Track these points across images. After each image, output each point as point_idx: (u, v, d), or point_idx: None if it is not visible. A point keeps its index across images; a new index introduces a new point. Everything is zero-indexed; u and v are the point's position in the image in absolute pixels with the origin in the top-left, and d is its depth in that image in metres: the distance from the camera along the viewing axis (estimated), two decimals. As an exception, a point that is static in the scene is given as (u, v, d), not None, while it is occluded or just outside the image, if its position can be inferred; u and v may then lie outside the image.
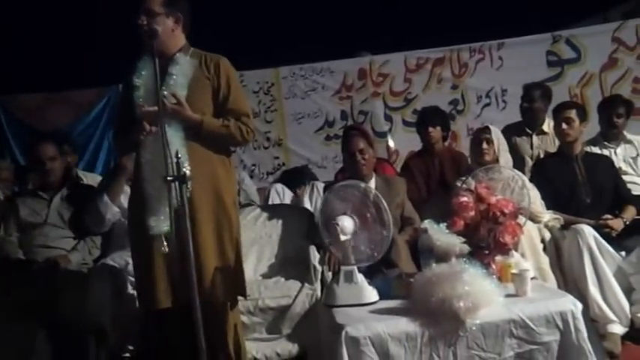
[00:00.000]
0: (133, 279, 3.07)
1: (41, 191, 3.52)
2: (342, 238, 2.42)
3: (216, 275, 2.57)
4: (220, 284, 2.59)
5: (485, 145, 3.39)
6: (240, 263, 2.75)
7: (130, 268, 3.09)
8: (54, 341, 2.94)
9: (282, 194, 4.80)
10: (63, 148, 3.66)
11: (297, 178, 5.21)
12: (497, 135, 3.49)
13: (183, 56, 2.64)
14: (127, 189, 3.44)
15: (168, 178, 2.18)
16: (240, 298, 2.78)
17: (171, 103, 2.52)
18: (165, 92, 2.51)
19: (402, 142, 5.79)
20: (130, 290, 3.11)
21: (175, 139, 2.50)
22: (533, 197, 3.28)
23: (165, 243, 2.44)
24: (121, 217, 3.47)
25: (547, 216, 3.36)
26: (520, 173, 3.32)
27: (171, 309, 2.52)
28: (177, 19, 2.65)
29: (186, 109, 2.55)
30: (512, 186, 3.16)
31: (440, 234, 2.63)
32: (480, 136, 3.47)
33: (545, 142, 4.23)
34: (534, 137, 4.23)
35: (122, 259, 3.24)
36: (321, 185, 4.48)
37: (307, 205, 4.38)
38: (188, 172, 2.25)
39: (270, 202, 4.57)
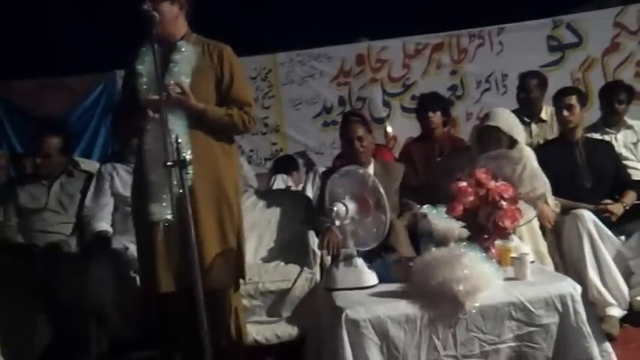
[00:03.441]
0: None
1: (40, 177, 3.53)
2: (337, 223, 2.42)
3: (217, 261, 2.58)
4: (222, 270, 2.60)
5: (493, 147, 3.16)
6: (242, 249, 2.76)
7: (130, 252, 3.13)
8: (55, 325, 2.96)
9: (286, 183, 4.85)
10: (69, 140, 3.67)
11: (288, 164, 5.25)
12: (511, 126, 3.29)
13: (186, 44, 2.63)
14: (126, 177, 3.44)
15: (168, 164, 2.18)
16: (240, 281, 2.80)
17: (175, 92, 2.51)
18: (171, 81, 2.51)
19: (400, 128, 5.78)
20: (131, 274, 3.12)
21: (178, 127, 2.49)
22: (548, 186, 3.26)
23: (162, 230, 2.45)
24: (120, 204, 3.47)
25: (551, 203, 3.35)
26: (534, 163, 3.28)
27: (173, 293, 2.53)
28: (181, 5, 2.64)
29: (190, 98, 2.54)
30: (519, 172, 3.13)
31: (439, 218, 2.63)
32: (490, 136, 3.25)
33: (543, 129, 4.23)
34: (533, 126, 4.22)
35: (120, 243, 3.25)
36: (322, 171, 4.49)
37: (309, 191, 4.39)
38: (188, 157, 2.24)
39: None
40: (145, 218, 2.52)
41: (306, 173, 5.26)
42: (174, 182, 2.24)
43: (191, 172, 2.44)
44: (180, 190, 2.22)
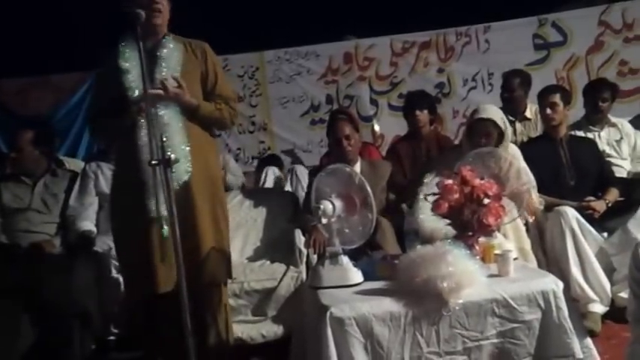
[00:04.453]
0: (117, 263, 3.07)
1: (24, 176, 3.49)
2: (323, 221, 2.43)
3: (214, 255, 2.62)
4: (218, 264, 2.64)
5: (483, 141, 3.20)
6: (229, 245, 2.80)
7: (113, 252, 3.08)
8: (39, 325, 2.94)
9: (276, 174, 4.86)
10: (46, 135, 3.63)
11: (272, 163, 5.26)
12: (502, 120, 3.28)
13: (171, 40, 2.64)
14: (111, 176, 3.42)
15: (153, 162, 2.17)
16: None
17: (172, 86, 2.52)
18: (166, 76, 2.53)
19: (387, 126, 5.80)
20: (114, 274, 3.11)
21: (175, 121, 2.52)
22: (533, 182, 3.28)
23: (165, 226, 2.43)
24: (105, 203, 3.45)
25: (535, 200, 3.37)
26: (520, 162, 3.29)
27: (166, 292, 2.51)
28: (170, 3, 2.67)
29: (186, 93, 2.57)
30: (505, 170, 3.14)
31: (427, 217, 2.65)
32: (481, 129, 3.24)
33: (528, 127, 4.25)
34: (517, 124, 4.24)
35: (105, 243, 3.23)
36: (301, 169, 4.51)
37: (287, 189, 4.40)
38: (173, 156, 2.23)
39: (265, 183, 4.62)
40: (140, 216, 2.48)
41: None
42: (176, 178, 2.32)
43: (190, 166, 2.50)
44: (166, 188, 2.22)
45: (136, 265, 2.57)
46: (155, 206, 2.47)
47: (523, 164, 3.28)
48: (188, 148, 2.51)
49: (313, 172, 3.42)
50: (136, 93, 2.49)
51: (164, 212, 2.42)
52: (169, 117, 2.49)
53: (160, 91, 2.47)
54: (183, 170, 2.49)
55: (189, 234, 2.49)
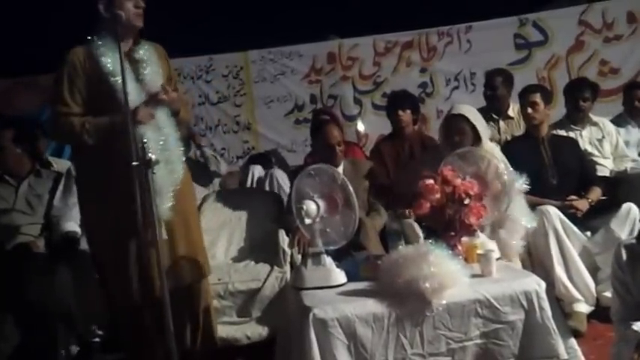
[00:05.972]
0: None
1: (8, 176, 3.44)
2: (307, 221, 2.42)
3: (203, 250, 2.79)
4: (205, 257, 2.79)
5: (457, 139, 3.16)
6: None
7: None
8: (23, 326, 2.91)
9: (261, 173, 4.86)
10: (27, 133, 3.58)
11: (261, 162, 5.24)
12: (475, 118, 3.26)
13: (145, 42, 2.65)
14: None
15: (134, 164, 2.17)
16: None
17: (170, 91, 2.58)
18: (152, 78, 2.58)
19: (371, 125, 5.81)
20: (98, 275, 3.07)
21: (168, 124, 2.58)
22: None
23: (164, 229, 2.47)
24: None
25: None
26: (502, 161, 3.28)
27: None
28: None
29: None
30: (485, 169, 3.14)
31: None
32: (453, 126, 3.22)
33: (511, 126, 4.26)
34: (501, 122, 4.26)
35: (89, 243, 3.20)
36: (279, 172, 4.49)
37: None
38: (154, 158, 2.23)
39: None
40: (135, 219, 2.36)
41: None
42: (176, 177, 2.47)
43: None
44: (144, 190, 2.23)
45: (130, 269, 2.53)
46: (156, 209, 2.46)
47: (502, 164, 3.29)
48: (181, 152, 2.61)
49: (295, 173, 3.40)
50: (129, 96, 2.38)
51: (167, 213, 2.49)
52: (163, 120, 2.54)
53: (165, 96, 2.53)
54: (179, 170, 2.57)
55: (186, 232, 2.63)
